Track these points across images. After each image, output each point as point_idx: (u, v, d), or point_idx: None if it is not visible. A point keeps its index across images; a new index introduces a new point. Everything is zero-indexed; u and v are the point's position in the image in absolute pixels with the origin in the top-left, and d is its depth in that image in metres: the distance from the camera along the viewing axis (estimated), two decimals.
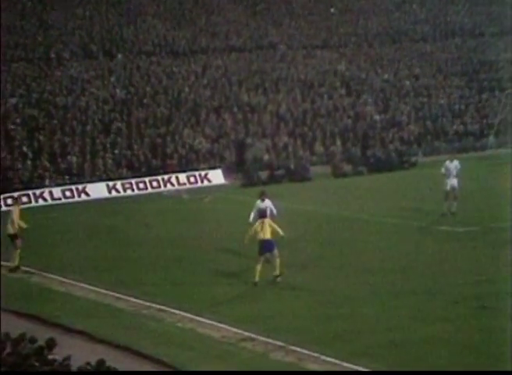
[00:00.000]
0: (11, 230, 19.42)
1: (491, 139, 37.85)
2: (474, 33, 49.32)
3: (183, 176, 32.04)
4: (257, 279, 16.97)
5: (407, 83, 42.38)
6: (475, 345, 12.83)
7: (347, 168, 34.02)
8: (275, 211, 18.46)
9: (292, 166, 33.49)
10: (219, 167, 33.29)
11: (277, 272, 17.09)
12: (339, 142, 36.49)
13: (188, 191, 30.84)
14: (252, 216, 18.17)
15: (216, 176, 32.67)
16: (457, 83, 42.71)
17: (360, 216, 23.63)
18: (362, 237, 20.92)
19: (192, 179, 32.19)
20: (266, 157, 34.97)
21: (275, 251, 17.15)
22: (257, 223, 17.51)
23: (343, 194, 28.80)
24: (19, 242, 19.34)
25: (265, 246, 17.21)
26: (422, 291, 15.79)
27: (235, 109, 38.03)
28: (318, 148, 36.32)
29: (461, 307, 14.62)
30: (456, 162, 23.77)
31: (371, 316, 14.55)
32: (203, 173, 32.60)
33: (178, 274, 18.19)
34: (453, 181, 23.26)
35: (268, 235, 17.20)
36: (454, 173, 23.42)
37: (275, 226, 17.29)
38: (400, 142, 37.11)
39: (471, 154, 36.44)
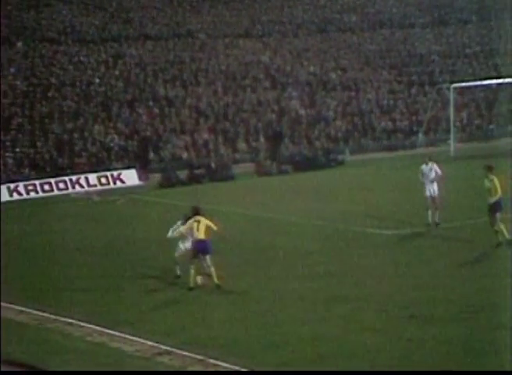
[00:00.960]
0: None
1: (420, 136, 38.88)
2: (403, 24, 50.52)
3: (93, 177, 31.64)
4: (192, 284, 16.79)
5: (334, 76, 42.99)
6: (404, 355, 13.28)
7: (271, 166, 34.37)
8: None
9: (213, 165, 33.56)
10: (133, 167, 33.04)
11: (216, 280, 16.76)
12: (262, 139, 36.83)
13: (99, 192, 30.51)
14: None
15: (130, 177, 32.41)
16: (386, 76, 43.58)
17: (287, 218, 23.86)
18: (289, 241, 21.14)
19: (103, 180, 31.82)
20: (185, 155, 34.95)
21: (209, 257, 16.75)
22: (191, 220, 16.94)
23: (267, 194, 29.05)
24: None
25: (199, 246, 16.82)
26: (352, 298, 16.17)
27: (150, 103, 37.84)
28: (241, 144, 36.58)
29: (390, 316, 15.06)
30: (433, 166, 21.82)
31: (298, 325, 14.82)
32: (115, 173, 32.28)
33: (88, 283, 18.04)
34: (432, 187, 21.54)
35: (202, 235, 16.81)
36: (431, 177, 21.61)
37: (212, 224, 16.86)
38: (327, 139, 37.65)
39: (400, 152, 37.28)
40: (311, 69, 43.37)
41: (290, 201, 26.90)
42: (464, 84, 38.69)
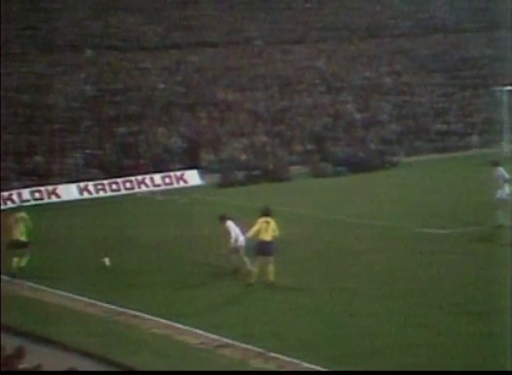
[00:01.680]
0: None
1: (474, 138, 38.23)
2: (456, 29, 49.80)
3: (157, 177, 32.03)
4: (252, 280, 16.90)
5: (388, 80, 42.65)
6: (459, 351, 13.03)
7: (327, 168, 34.18)
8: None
9: (270, 166, 33.59)
10: (195, 167, 33.30)
11: (271, 278, 16.89)
12: (317, 141, 36.66)
13: (163, 192, 30.79)
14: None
15: (192, 177, 32.68)
16: (440, 80, 43.10)
17: (343, 218, 23.74)
18: (345, 240, 21.03)
19: (167, 180, 32.19)
20: (243, 156, 35.04)
21: (271, 259, 16.89)
22: (261, 220, 16.99)
23: (323, 195, 28.92)
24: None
25: (265, 248, 16.87)
26: (408, 296, 15.97)
27: (210, 107, 38.05)
28: (297, 147, 36.45)
29: (445, 312, 14.81)
30: (500, 169, 21.80)
31: (353, 321, 14.69)
32: (178, 173, 32.60)
33: (153, 278, 18.21)
34: (502, 190, 21.37)
35: (269, 237, 16.88)
36: (503, 179, 21.45)
37: (275, 229, 16.96)
38: (381, 141, 37.39)
39: (454, 154, 36.77)
40: (366, 73, 43.12)
41: (346, 202, 26.76)
42: None
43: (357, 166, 34.01)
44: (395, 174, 32.93)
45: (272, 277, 16.92)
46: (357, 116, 39.04)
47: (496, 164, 22.10)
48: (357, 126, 38.22)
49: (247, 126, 37.28)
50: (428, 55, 45.84)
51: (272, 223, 16.98)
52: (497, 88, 38.61)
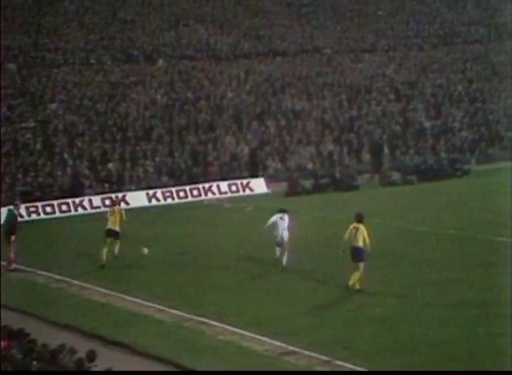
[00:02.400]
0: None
1: None
2: None
3: (224, 185, 32.28)
4: (351, 283, 16.99)
5: (460, 87, 42.02)
6: None
7: (396, 176, 33.82)
8: None
9: (337, 175, 33.41)
10: (262, 175, 33.42)
11: (357, 286, 17.00)
12: (387, 150, 36.30)
13: (229, 199, 31.03)
14: None
15: (258, 185, 32.80)
16: None
17: (414, 227, 23.47)
18: (417, 249, 20.77)
19: (233, 187, 32.39)
20: (310, 165, 34.98)
21: (362, 265, 17.01)
22: (351, 226, 17.20)
23: (391, 203, 28.62)
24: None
25: (356, 254, 17.01)
26: (478, 304, 15.65)
27: (278, 116, 38.17)
28: (365, 156, 36.16)
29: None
30: None
31: (424, 328, 14.48)
32: (245, 181, 32.78)
33: (221, 285, 18.34)
34: None
35: (360, 243, 16.97)
36: None
37: (366, 237, 17.00)
38: (453, 149, 36.85)
39: None
40: (437, 81, 42.51)
41: (416, 211, 26.34)
42: None
43: (426, 175, 33.55)
44: (466, 182, 32.41)
45: (357, 285, 16.95)
46: (427, 123, 38.53)
47: None
48: (427, 134, 37.74)
49: (314, 134, 37.20)
50: (502, 61, 44.84)
51: (362, 230, 17.01)
52: None
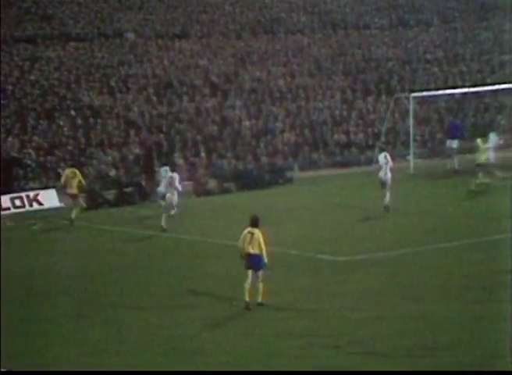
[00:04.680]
0: None
1: (377, 151, 39.57)
2: (358, 26, 51.46)
3: (5, 199, 31.04)
4: (247, 298, 18.06)
5: (282, 82, 43.58)
6: None
7: (212, 184, 34.74)
8: None
9: (143, 183, 33.62)
10: (53, 186, 32.46)
11: (260, 299, 18.12)
12: (202, 153, 37.28)
13: (13, 216, 30.13)
14: None
15: (49, 198, 31.87)
16: (339, 83, 44.27)
17: (224, 242, 24.45)
18: (224, 266, 21.79)
19: (18, 202, 31.32)
20: (113, 172, 34.85)
21: (261, 273, 17.99)
22: (245, 231, 18.08)
23: (208, 216, 29.58)
24: None
25: (252, 262, 17.92)
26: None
27: (72, 112, 37.87)
28: (178, 159, 36.82)
29: None
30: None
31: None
32: (32, 193, 31.85)
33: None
34: None
35: (256, 249, 17.91)
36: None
37: (262, 241, 17.97)
38: (274, 153, 38.24)
39: (355, 169, 37.80)
40: (257, 74, 44.00)
41: (232, 224, 27.14)
42: (424, 94, 39.43)
43: (246, 182, 34.73)
44: (289, 191, 33.85)
45: (260, 298, 18.14)
46: (247, 123, 39.81)
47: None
48: (246, 136, 38.99)
49: (117, 135, 37.32)
50: (327, 54, 47.05)
51: (258, 235, 18.03)
52: (402, 95, 40.40)
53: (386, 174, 28.61)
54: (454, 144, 36.21)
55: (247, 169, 36.03)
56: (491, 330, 16.19)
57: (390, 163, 28.87)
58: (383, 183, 28.60)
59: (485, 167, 31.87)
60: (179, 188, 27.17)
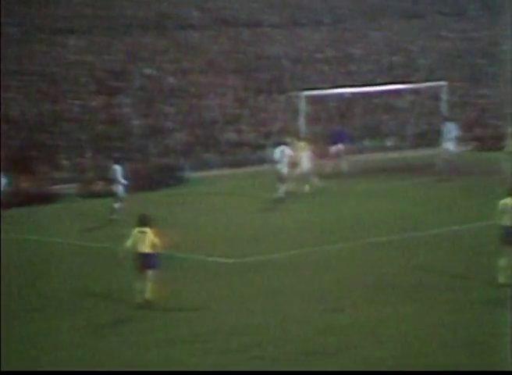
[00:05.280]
0: None
1: (269, 151, 40.25)
2: (250, 23, 51.90)
3: None
4: (139, 300, 18.57)
5: (172, 80, 43.77)
6: None
7: (101, 186, 34.56)
8: None
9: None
10: None
11: (146, 296, 18.52)
12: (89, 153, 37.03)
13: None
14: None
15: None
16: (231, 81, 44.73)
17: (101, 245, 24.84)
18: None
19: None
20: None
21: (151, 273, 18.46)
22: (135, 231, 18.57)
23: (93, 219, 29.61)
24: None
25: (144, 261, 18.48)
26: None
27: None
28: (64, 161, 36.51)
29: None
30: None
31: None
32: None
33: None
34: None
35: (148, 248, 18.44)
36: None
37: (156, 241, 18.51)
38: (165, 153, 38.36)
39: (248, 168, 38.29)
40: (147, 71, 44.02)
41: (118, 227, 26.89)
42: (315, 93, 40.14)
43: (136, 183, 34.56)
44: (179, 193, 34.04)
45: (145, 295, 18.50)
46: (136, 122, 39.77)
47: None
48: (135, 135, 38.95)
49: None
50: (218, 52, 47.38)
51: (150, 234, 18.53)
52: (294, 93, 40.85)
53: (284, 168, 29.73)
54: (337, 148, 37.14)
55: (136, 170, 35.70)
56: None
57: (289, 156, 30.24)
58: (281, 178, 29.59)
59: None
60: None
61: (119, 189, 29.07)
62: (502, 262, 19.57)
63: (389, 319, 18.05)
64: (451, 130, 36.15)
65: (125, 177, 29.72)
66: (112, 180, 29.25)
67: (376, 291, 20.01)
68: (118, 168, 29.08)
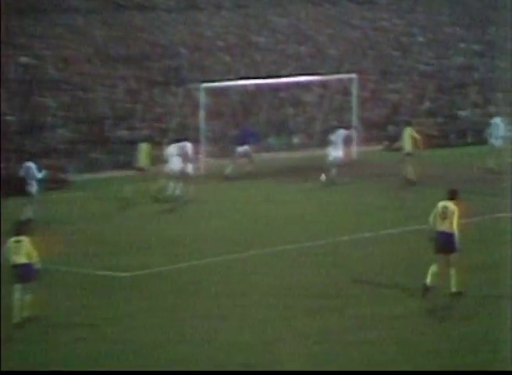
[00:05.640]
0: None
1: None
2: (143, 7, 51.52)
3: None
4: (18, 317, 18.06)
5: (52, 69, 42.44)
6: None
7: None
8: None
9: None
10: None
11: (26, 313, 18.13)
12: None
13: None
14: None
15: None
16: (122, 72, 43.90)
17: None
18: None
19: None
20: None
21: (29, 286, 18.10)
22: (11, 240, 18.24)
23: None
24: None
25: (20, 273, 18.15)
26: None
27: None
28: None
29: None
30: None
31: None
32: None
33: None
34: None
35: (24, 258, 18.15)
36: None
37: (33, 252, 18.18)
38: (45, 153, 36.68)
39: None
40: (23, 59, 42.33)
41: None
42: (216, 85, 39.12)
43: (9, 189, 32.13)
44: (61, 198, 32.57)
45: (27, 312, 18.11)
46: (11, 118, 38.09)
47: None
48: (9, 132, 37.14)
49: None
50: (107, 38, 46.37)
51: (27, 243, 18.22)
52: (193, 85, 39.90)
53: (179, 165, 30.03)
54: (245, 149, 35.87)
55: (8, 173, 33.80)
56: None
57: (188, 154, 30.58)
58: (176, 176, 29.79)
59: None
60: None
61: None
62: (434, 268, 18.96)
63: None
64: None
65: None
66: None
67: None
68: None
